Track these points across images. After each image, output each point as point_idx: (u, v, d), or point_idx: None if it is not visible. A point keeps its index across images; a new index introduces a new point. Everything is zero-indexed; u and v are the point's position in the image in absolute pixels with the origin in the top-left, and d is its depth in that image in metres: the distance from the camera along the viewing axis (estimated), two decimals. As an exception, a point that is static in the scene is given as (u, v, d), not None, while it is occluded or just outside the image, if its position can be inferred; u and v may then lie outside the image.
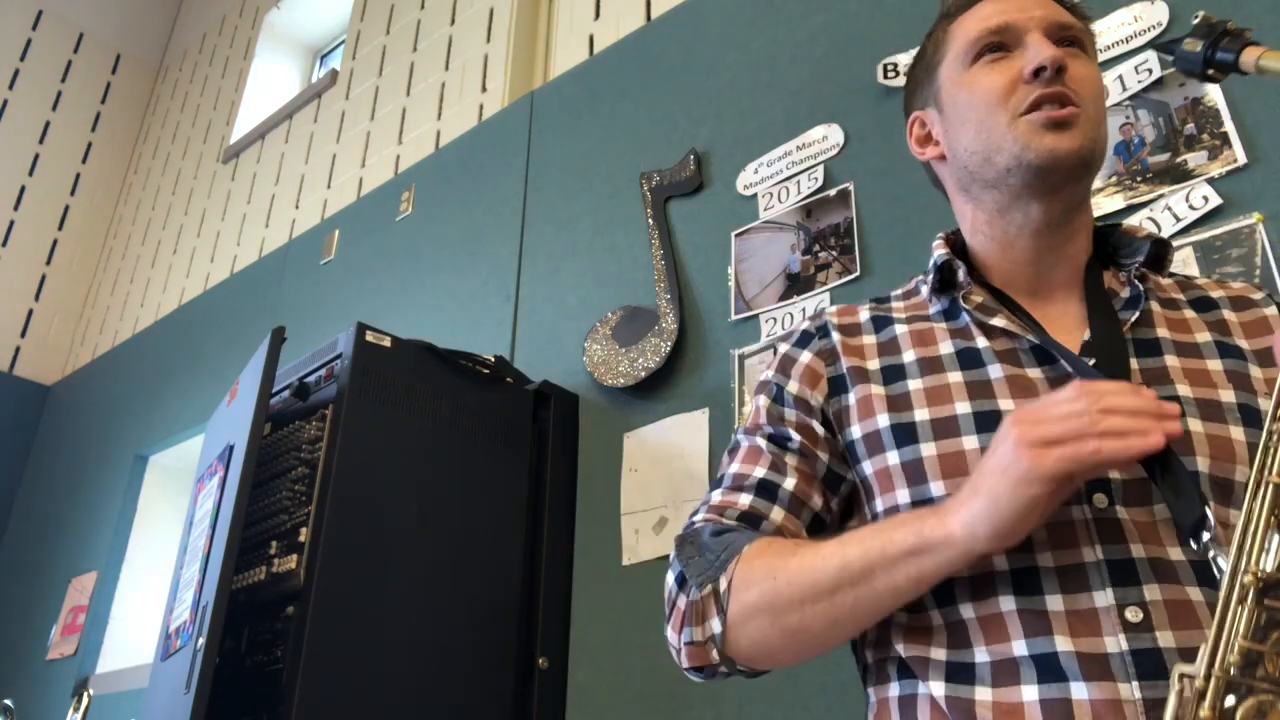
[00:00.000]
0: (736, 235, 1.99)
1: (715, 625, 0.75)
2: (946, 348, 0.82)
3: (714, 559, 0.76)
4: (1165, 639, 0.64)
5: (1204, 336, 0.79)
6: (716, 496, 0.84)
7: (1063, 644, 0.66)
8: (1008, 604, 0.69)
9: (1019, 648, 0.67)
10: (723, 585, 0.74)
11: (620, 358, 2.04)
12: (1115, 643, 0.65)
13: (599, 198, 2.33)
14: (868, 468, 0.80)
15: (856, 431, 0.82)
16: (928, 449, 0.76)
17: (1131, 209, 1.47)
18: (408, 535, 1.72)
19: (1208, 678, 0.54)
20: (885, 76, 1.88)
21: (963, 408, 0.76)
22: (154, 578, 3.39)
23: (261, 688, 1.54)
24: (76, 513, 3.69)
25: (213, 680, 1.46)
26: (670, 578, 0.80)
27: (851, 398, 0.83)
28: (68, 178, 4.65)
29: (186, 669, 1.51)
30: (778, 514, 0.81)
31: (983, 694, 0.67)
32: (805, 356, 0.88)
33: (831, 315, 0.91)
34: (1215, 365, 0.76)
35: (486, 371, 1.99)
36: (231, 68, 4.46)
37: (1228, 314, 0.81)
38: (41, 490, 4.00)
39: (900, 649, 0.74)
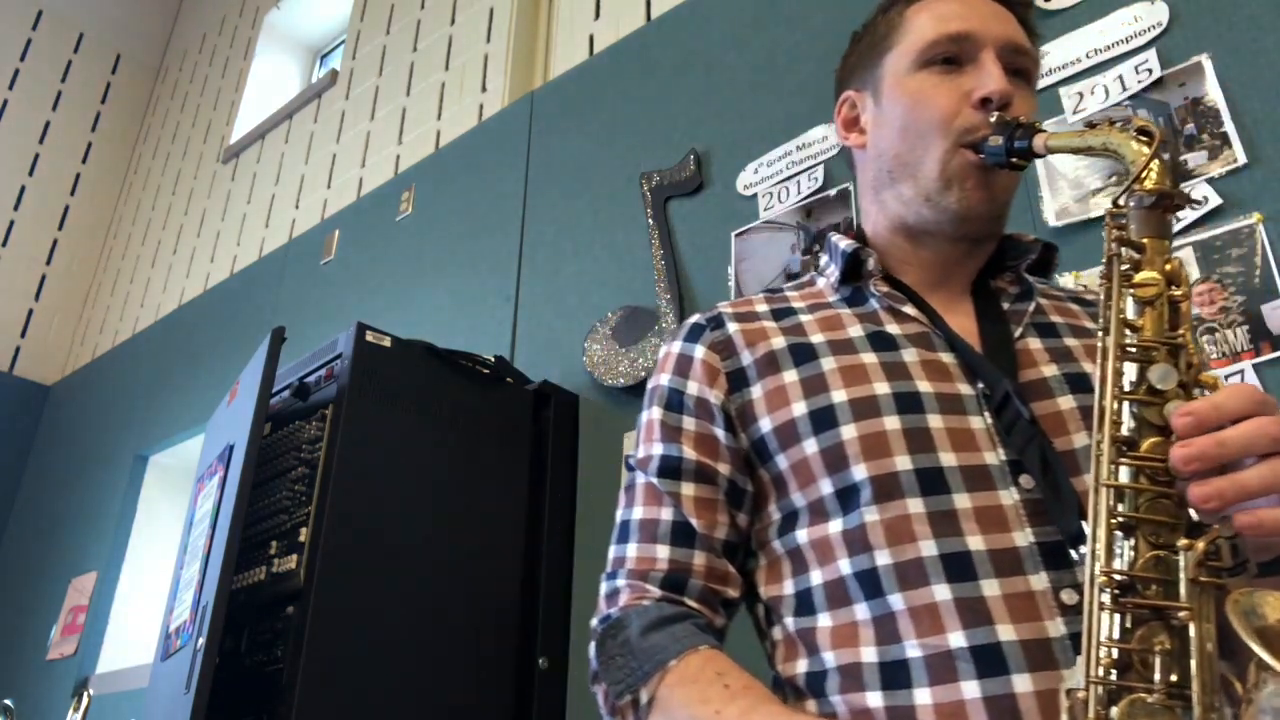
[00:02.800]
0: (736, 235, 1.99)
1: None
2: (856, 331, 0.80)
3: (637, 668, 0.72)
4: None
5: (1090, 324, 0.82)
6: (632, 552, 0.80)
7: (1005, 633, 0.64)
8: (942, 593, 0.66)
9: (956, 639, 0.64)
10: (643, 698, 0.71)
11: (620, 358, 2.04)
12: (1055, 626, 0.64)
13: (599, 198, 2.33)
14: (782, 462, 0.76)
15: (766, 425, 0.78)
16: (848, 431, 0.73)
17: (1131, 209, 1.47)
18: (408, 535, 1.72)
19: (1087, 687, 0.55)
20: (885, 76, 1.88)
21: (881, 388, 0.74)
22: (154, 578, 3.39)
23: (261, 688, 1.54)
24: (76, 513, 3.69)
25: (213, 680, 1.46)
26: (592, 662, 0.77)
27: (757, 390, 0.79)
28: (68, 178, 4.65)
29: (186, 669, 1.51)
30: (700, 560, 0.78)
31: (922, 697, 0.64)
32: (699, 352, 0.83)
33: (725, 306, 0.87)
34: None
35: (486, 371, 1.99)
36: (231, 68, 4.46)
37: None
38: (41, 490, 4.00)
39: (829, 659, 0.70)
